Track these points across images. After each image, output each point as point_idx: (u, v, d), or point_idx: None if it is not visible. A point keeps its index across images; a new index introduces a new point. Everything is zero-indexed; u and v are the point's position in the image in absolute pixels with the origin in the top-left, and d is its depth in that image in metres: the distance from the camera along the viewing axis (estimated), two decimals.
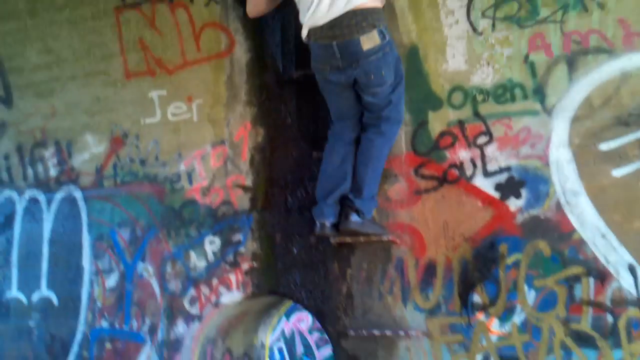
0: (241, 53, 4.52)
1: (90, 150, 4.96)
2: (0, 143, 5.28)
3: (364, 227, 3.80)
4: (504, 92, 3.83)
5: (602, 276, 3.50)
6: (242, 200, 4.43)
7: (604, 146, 3.58)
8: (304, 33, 3.70)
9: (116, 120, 4.88)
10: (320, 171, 3.90)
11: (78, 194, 4.96)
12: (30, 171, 5.15)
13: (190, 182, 4.59)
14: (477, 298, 3.73)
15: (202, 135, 4.60)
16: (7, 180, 5.22)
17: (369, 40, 3.47)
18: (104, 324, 4.71)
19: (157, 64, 4.75)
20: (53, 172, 5.07)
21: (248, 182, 4.43)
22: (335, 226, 3.81)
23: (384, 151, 3.79)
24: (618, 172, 3.54)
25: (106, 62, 4.93)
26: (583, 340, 3.50)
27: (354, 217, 3.74)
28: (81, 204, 4.94)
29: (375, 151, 3.75)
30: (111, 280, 4.74)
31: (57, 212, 5.02)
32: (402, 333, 3.84)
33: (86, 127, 4.99)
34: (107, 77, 4.92)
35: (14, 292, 5.06)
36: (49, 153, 5.10)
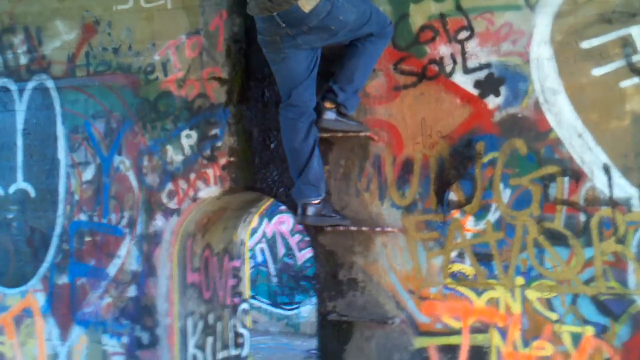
0: None
1: (61, 38, 5.08)
2: None
3: (340, 124, 4.00)
4: None
5: (576, 176, 3.74)
6: (218, 93, 4.61)
7: (586, 44, 3.74)
8: (248, 4, 3.75)
9: (87, 6, 4.98)
10: (286, 151, 4.03)
11: (50, 84, 5.13)
12: None
13: (165, 73, 4.75)
14: (453, 196, 4.00)
15: (176, 24, 4.72)
16: None
17: (309, 1, 3.50)
18: (83, 217, 5.02)
19: None
20: (23, 60, 5.22)
21: (224, 74, 4.59)
22: (319, 211, 4.00)
23: (381, 47, 3.95)
24: (598, 71, 3.71)
25: None
26: (556, 238, 3.79)
27: (327, 115, 3.93)
28: (54, 94, 5.11)
29: (372, 48, 3.90)
30: (88, 173, 5.00)
31: (30, 102, 5.20)
32: (378, 229, 4.12)
33: (56, 13, 5.08)
34: None
35: None
36: (18, 40, 5.23)
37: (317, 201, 3.98)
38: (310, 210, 3.96)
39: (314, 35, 3.68)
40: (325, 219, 4.05)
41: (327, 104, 3.96)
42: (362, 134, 4.11)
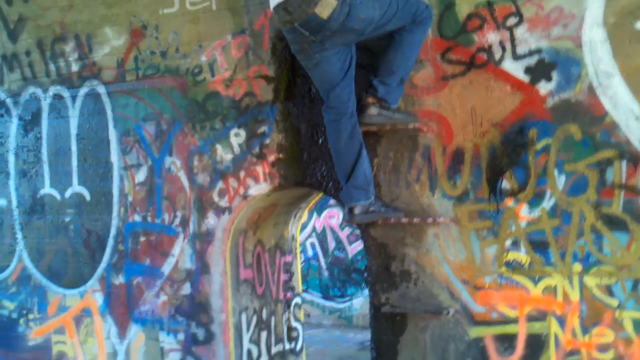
0: None
1: (111, 44, 4.99)
2: (20, 38, 5.31)
3: (383, 119, 3.81)
4: None
5: (634, 159, 3.49)
6: (265, 91, 4.45)
7: None
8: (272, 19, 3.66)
9: (134, 11, 4.86)
10: (332, 152, 3.86)
11: (101, 89, 5.03)
12: (52, 67, 5.21)
13: (212, 73, 4.61)
14: (505, 184, 3.77)
15: (221, 25, 4.57)
16: (31, 76, 5.30)
17: (326, 8, 3.35)
18: (137, 218, 4.90)
19: None
20: (75, 67, 5.13)
21: (270, 72, 4.43)
22: (367, 209, 3.82)
23: (422, 35, 3.73)
24: None
25: None
26: (614, 223, 3.54)
27: (370, 110, 3.75)
28: (105, 99, 5.02)
29: (412, 36, 3.68)
30: (140, 175, 4.88)
31: (82, 108, 5.12)
32: (430, 220, 3.91)
33: (104, 19, 4.98)
34: None
35: (47, 189, 5.25)
36: (69, 48, 5.13)
37: (366, 203, 3.80)
38: (358, 209, 3.80)
39: (339, 38, 3.52)
40: (374, 214, 3.86)
41: (369, 99, 3.78)
42: (410, 125, 3.88)
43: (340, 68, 3.67)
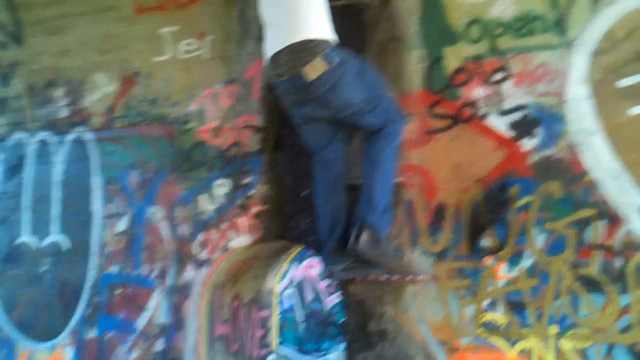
0: None
1: (101, 90, 5.41)
2: (12, 83, 5.77)
3: (376, 251, 3.98)
4: (523, 24, 4.11)
5: (612, 219, 3.80)
6: (252, 142, 4.81)
7: (624, 82, 3.86)
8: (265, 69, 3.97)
9: (127, 58, 5.30)
10: (318, 210, 4.16)
11: (89, 136, 5.45)
12: (41, 112, 5.63)
13: (201, 122, 5.01)
14: (486, 242, 4.10)
15: (213, 74, 4.98)
16: (18, 121, 5.72)
17: (313, 70, 3.60)
18: (114, 269, 5.22)
19: None
20: (64, 113, 5.55)
21: (259, 122, 4.81)
22: (349, 266, 4.13)
23: (391, 154, 3.98)
24: (636, 110, 3.82)
25: None
26: (591, 285, 3.82)
27: (365, 236, 3.95)
28: (92, 146, 5.42)
29: (381, 154, 3.95)
30: (121, 225, 5.24)
31: (68, 154, 5.53)
32: (409, 278, 4.22)
33: (97, 66, 5.42)
34: (117, 12, 5.32)
35: (25, 237, 5.62)
36: (60, 93, 5.57)
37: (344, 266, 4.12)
38: (339, 266, 4.16)
39: (319, 106, 3.83)
40: (354, 271, 4.18)
41: (361, 228, 3.98)
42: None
43: (329, 135, 4.06)
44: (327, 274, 4.28)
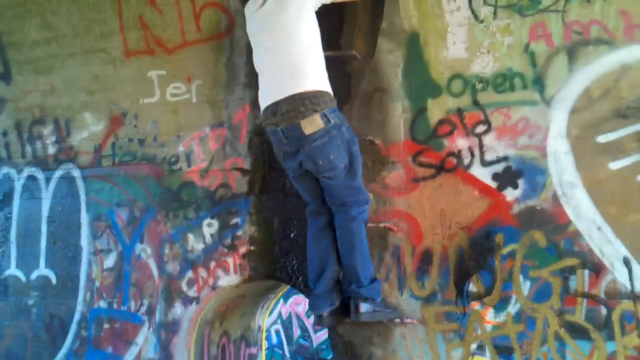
0: (241, 34, 4.59)
1: (89, 129, 5.09)
2: None
3: (376, 315, 3.83)
4: (503, 81, 3.93)
5: (596, 268, 3.62)
6: (240, 183, 4.56)
7: (602, 138, 3.69)
8: (261, 116, 3.79)
9: (115, 99, 5.00)
10: (308, 256, 3.94)
11: (76, 173, 5.10)
12: (28, 148, 5.29)
13: (189, 164, 4.72)
14: (472, 287, 3.87)
15: (201, 117, 4.72)
16: (6, 157, 5.35)
17: (311, 125, 3.48)
18: (102, 304, 4.88)
19: (157, 43, 4.85)
20: (51, 150, 5.21)
21: (246, 165, 4.56)
22: (334, 312, 3.86)
23: (362, 232, 3.80)
24: (615, 165, 3.64)
25: (105, 40, 5.03)
26: (577, 331, 3.63)
27: (364, 307, 3.76)
28: (79, 183, 5.08)
29: (354, 236, 3.76)
30: (109, 261, 4.91)
31: (56, 190, 5.17)
32: (397, 320, 3.98)
33: (85, 106, 5.11)
34: (106, 55, 5.03)
35: (12, 270, 5.23)
36: (47, 131, 5.23)
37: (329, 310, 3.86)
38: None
39: (308, 160, 3.63)
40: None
41: (357, 300, 3.79)
42: (381, 225, 3.99)
43: (317, 187, 3.82)
44: (315, 321, 3.93)
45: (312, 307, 3.85)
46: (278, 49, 3.59)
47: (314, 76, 3.56)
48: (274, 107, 3.59)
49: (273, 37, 3.62)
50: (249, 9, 3.82)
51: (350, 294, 3.78)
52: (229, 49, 4.64)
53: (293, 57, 3.55)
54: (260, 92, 3.78)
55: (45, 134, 5.24)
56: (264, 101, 3.71)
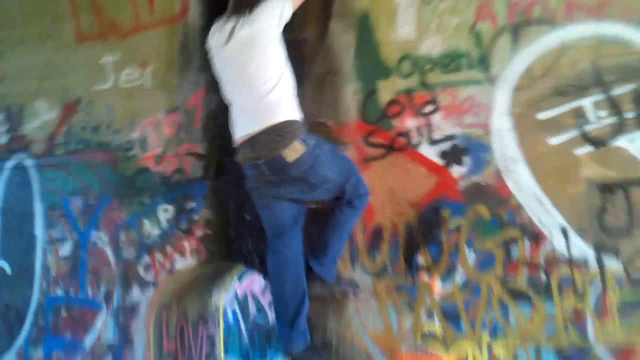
0: (195, 17, 4.84)
1: (42, 117, 5.30)
2: None
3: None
4: (450, 61, 4.25)
5: (536, 238, 3.97)
6: (195, 168, 4.82)
7: (542, 115, 4.03)
8: (236, 153, 3.94)
9: (68, 86, 5.22)
10: (274, 297, 4.16)
11: (29, 162, 5.31)
12: None
13: (143, 149, 4.97)
14: (421, 260, 4.21)
15: (155, 102, 4.96)
16: None
17: (293, 152, 3.65)
18: (59, 292, 5.10)
19: (110, 28, 5.08)
20: (3, 140, 5.40)
21: (201, 150, 4.81)
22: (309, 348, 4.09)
23: (354, 220, 4.09)
24: (554, 140, 3.99)
25: (57, 25, 5.25)
26: (519, 296, 3.98)
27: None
28: (33, 172, 5.29)
29: (345, 220, 4.04)
30: (65, 249, 5.12)
31: (9, 180, 5.36)
32: (350, 294, 4.31)
33: (37, 93, 5.31)
34: (58, 40, 5.25)
35: None
36: None
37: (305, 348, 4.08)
38: (296, 351, 4.09)
39: (295, 186, 3.83)
40: (311, 354, 4.14)
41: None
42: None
43: (291, 216, 4.01)
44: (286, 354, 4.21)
45: (287, 345, 4.08)
46: (247, 85, 3.78)
47: (285, 107, 3.77)
48: (252, 142, 3.74)
49: (241, 76, 3.80)
50: (213, 43, 3.96)
51: (309, 264, 4.05)
52: (183, 32, 4.88)
53: (263, 92, 3.74)
54: (234, 123, 3.96)
55: None
56: (239, 134, 3.89)
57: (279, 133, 3.70)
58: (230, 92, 3.96)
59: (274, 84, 3.76)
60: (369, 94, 4.40)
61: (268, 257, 4.13)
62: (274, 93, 3.76)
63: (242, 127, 3.88)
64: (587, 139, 3.95)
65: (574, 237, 3.92)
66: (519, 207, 4.03)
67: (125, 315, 4.86)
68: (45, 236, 5.19)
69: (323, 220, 4.12)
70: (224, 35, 3.88)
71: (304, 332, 4.07)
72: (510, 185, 4.06)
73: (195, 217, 4.75)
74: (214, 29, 4.01)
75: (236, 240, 4.66)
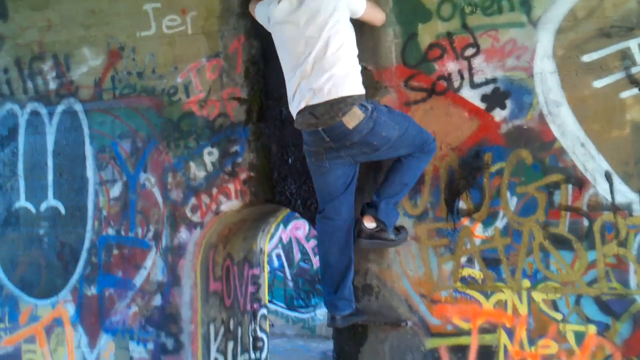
0: None
1: (88, 64, 5.12)
2: None
3: (377, 244, 3.92)
4: (491, 3, 3.96)
5: (580, 183, 3.73)
6: (238, 112, 4.62)
7: (586, 57, 3.75)
8: (295, 119, 3.76)
9: (112, 33, 5.02)
10: (321, 261, 3.94)
11: (78, 107, 5.16)
12: (30, 84, 5.33)
13: (187, 94, 4.78)
14: (462, 204, 3.99)
15: (197, 48, 4.75)
16: (8, 93, 5.40)
17: (353, 119, 3.49)
18: (110, 231, 5.02)
19: None
20: (53, 85, 5.25)
21: (243, 94, 4.61)
22: (349, 315, 3.92)
23: (424, 163, 3.85)
24: (599, 83, 3.71)
25: None
26: (560, 242, 3.77)
27: (366, 230, 3.85)
28: (82, 116, 5.14)
29: (417, 163, 3.81)
30: (115, 190, 5.01)
31: (59, 124, 5.24)
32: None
33: (83, 40, 5.12)
34: None
35: (22, 202, 5.34)
36: (47, 66, 5.26)
37: (349, 313, 3.91)
38: (339, 316, 3.91)
39: (356, 149, 3.65)
40: (352, 318, 3.97)
41: (367, 220, 3.85)
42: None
43: (343, 182, 3.81)
44: (330, 322, 3.99)
45: (333, 309, 3.90)
46: (314, 54, 3.59)
47: (350, 81, 3.59)
48: (312, 109, 3.58)
49: (309, 45, 3.61)
50: (276, 9, 3.77)
51: (367, 208, 3.87)
52: None
53: (329, 64, 3.56)
54: (293, 89, 3.72)
55: (45, 69, 5.27)
56: (300, 101, 3.67)
57: (339, 102, 3.52)
58: (293, 59, 3.72)
59: (341, 57, 3.58)
60: (410, 38, 4.15)
61: (317, 220, 3.93)
62: (340, 66, 3.57)
63: (303, 95, 3.65)
64: (632, 81, 3.68)
65: (618, 182, 3.68)
66: (562, 152, 3.78)
67: (173, 255, 4.76)
68: (96, 178, 5.08)
69: (392, 166, 3.90)
70: (291, 3, 3.70)
71: (348, 299, 3.91)
72: (553, 129, 3.81)
73: (239, 160, 4.58)
74: None
75: (279, 183, 4.49)
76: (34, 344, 5.25)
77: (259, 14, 4.01)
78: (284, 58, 3.82)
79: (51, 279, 5.20)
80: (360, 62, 3.88)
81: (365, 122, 3.53)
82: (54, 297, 5.20)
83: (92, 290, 5.04)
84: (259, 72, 4.54)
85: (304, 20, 3.63)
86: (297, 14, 3.66)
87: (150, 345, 4.82)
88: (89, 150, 5.10)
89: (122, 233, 4.95)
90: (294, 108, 3.72)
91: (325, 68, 3.56)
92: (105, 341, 4.96)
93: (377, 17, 4.00)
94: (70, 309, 5.12)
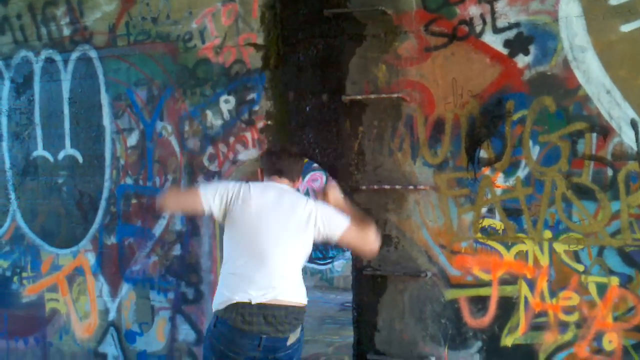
0: None
1: (102, 9, 5.15)
2: (11, 1, 5.47)
3: None
4: None
5: (604, 131, 3.72)
6: (254, 59, 4.64)
7: (614, 0, 3.69)
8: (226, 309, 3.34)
9: None
10: None
11: (93, 54, 5.22)
12: (43, 30, 5.39)
13: (203, 40, 4.79)
14: (483, 153, 4.01)
15: None
16: (22, 39, 5.47)
17: (294, 336, 3.39)
18: (129, 180, 5.13)
19: None
20: (67, 32, 5.30)
21: (260, 40, 4.62)
22: None
23: None
24: (626, 27, 3.66)
25: None
26: (583, 192, 3.78)
27: None
28: (97, 63, 5.20)
29: None
30: (132, 139, 5.10)
31: (74, 72, 5.31)
32: (411, 187, 4.16)
33: None
34: None
35: (40, 151, 5.47)
36: (60, 12, 5.31)
37: None
38: None
39: None
40: None
41: None
42: (394, 95, 4.09)
43: None
44: None
45: None
46: (284, 252, 3.41)
47: (304, 290, 3.52)
48: (265, 312, 3.31)
49: (282, 240, 3.41)
50: (256, 193, 3.49)
51: None
52: None
53: (294, 266, 3.47)
54: (241, 279, 3.37)
55: (59, 15, 5.32)
56: (254, 295, 3.33)
57: (296, 316, 3.41)
58: (256, 246, 3.37)
59: (300, 265, 3.53)
60: None
61: None
62: (298, 271, 3.50)
63: (259, 290, 3.32)
64: None
65: None
66: (586, 99, 3.76)
67: None
68: (112, 126, 5.17)
69: None
70: (272, 195, 3.49)
71: None
72: (578, 75, 3.78)
73: (256, 108, 4.63)
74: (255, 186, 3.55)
75: (296, 131, 4.52)
76: (57, 293, 5.46)
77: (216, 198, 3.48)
78: (242, 238, 3.44)
79: (71, 229, 5.35)
80: (378, 5, 3.87)
81: (296, 341, 3.46)
82: (75, 247, 5.37)
83: (112, 240, 5.19)
84: (275, 16, 4.53)
85: (286, 218, 3.42)
86: (281, 209, 3.44)
87: (171, 295, 4.98)
88: (104, 98, 5.18)
89: (140, 182, 5.06)
90: (237, 293, 3.33)
91: (290, 269, 3.44)
92: (127, 290, 5.13)
93: (365, 243, 3.57)
94: (90, 259, 5.29)
